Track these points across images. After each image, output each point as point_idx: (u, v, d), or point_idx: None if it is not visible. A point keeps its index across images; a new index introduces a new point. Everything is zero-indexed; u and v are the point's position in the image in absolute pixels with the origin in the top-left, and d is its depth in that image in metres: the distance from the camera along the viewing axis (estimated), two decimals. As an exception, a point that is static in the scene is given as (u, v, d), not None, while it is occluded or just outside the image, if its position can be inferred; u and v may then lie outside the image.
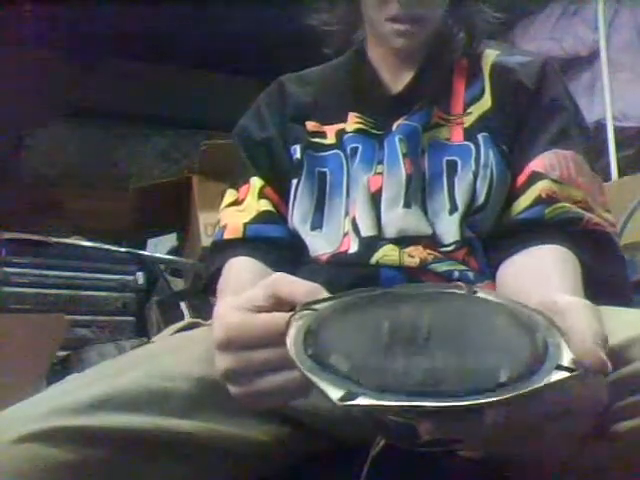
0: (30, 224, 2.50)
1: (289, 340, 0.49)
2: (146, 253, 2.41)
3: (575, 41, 2.86)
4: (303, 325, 0.51)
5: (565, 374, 0.45)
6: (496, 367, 0.46)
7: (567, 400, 0.47)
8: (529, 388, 0.44)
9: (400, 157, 0.82)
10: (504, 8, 0.92)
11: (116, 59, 3.54)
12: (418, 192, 0.81)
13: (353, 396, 0.44)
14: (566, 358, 0.47)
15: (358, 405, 0.43)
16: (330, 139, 0.88)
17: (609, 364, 0.46)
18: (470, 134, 0.84)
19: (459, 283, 0.58)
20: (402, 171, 0.81)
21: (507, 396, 0.43)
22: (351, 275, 0.77)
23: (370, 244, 0.78)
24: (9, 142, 3.47)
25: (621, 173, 2.40)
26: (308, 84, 0.95)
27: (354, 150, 0.85)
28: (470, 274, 0.76)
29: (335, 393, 0.44)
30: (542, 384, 0.44)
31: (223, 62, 3.57)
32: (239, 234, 0.86)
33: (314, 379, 0.45)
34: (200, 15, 3.08)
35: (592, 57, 2.78)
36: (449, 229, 0.78)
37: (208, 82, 3.77)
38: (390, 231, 0.79)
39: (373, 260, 0.77)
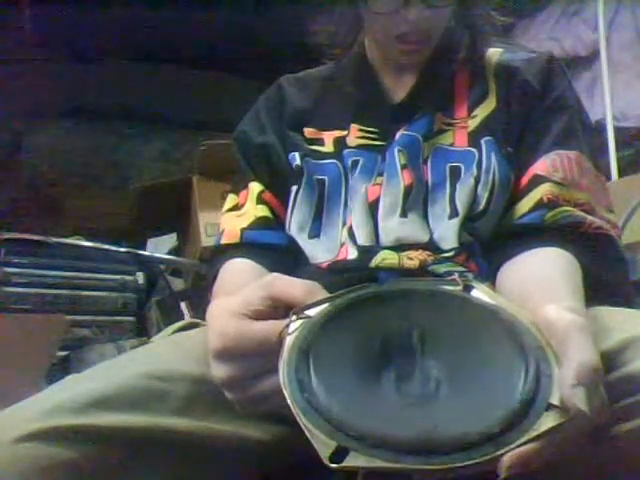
0: (30, 224, 2.50)
1: (281, 366, 0.49)
2: (146, 253, 2.40)
3: (575, 41, 2.86)
4: (295, 343, 0.50)
5: (551, 421, 0.45)
6: (487, 408, 0.47)
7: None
8: (516, 442, 0.44)
9: (399, 169, 0.81)
10: (504, 9, 0.91)
11: (116, 59, 3.54)
12: (419, 200, 0.81)
13: (342, 455, 0.44)
14: (556, 395, 0.47)
15: (348, 467, 0.44)
16: (328, 147, 0.88)
17: (586, 411, 0.46)
18: (474, 138, 0.83)
19: (455, 277, 0.58)
20: (400, 182, 0.81)
21: (494, 455, 0.44)
22: (350, 279, 0.76)
23: (368, 250, 0.78)
24: (9, 142, 3.47)
25: (621, 173, 2.40)
26: (307, 87, 0.95)
27: (355, 163, 0.85)
28: (470, 276, 0.76)
29: (325, 448, 0.44)
30: (529, 436, 0.45)
31: (223, 62, 3.57)
32: (236, 239, 0.86)
33: (307, 427, 0.46)
34: (200, 15, 3.07)
35: (592, 57, 2.78)
36: (448, 234, 0.78)
37: (208, 82, 3.77)
38: (387, 240, 0.79)
39: (372, 264, 0.76)
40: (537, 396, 0.47)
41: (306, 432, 0.45)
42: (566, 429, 0.46)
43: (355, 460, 0.44)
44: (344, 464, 0.43)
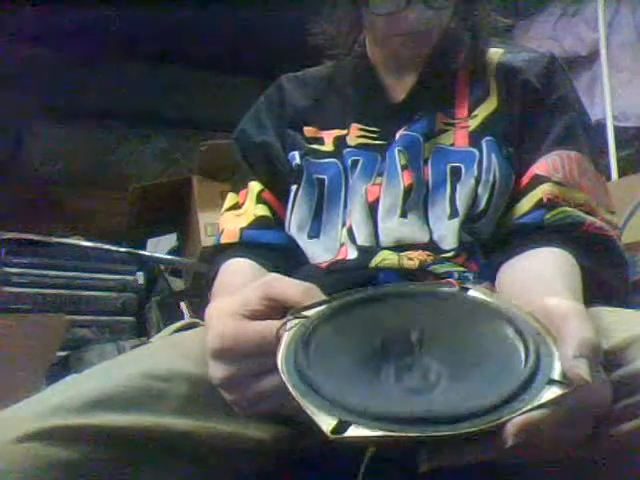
0: (30, 224, 2.50)
1: (280, 356, 0.49)
2: (146, 253, 2.40)
3: (575, 41, 2.86)
4: (293, 337, 0.50)
5: (553, 393, 0.45)
6: (488, 386, 0.46)
7: (564, 411, 0.47)
8: (520, 411, 0.44)
9: (399, 169, 0.81)
10: (505, 9, 0.91)
11: (116, 59, 3.54)
12: (419, 201, 0.80)
13: (344, 428, 0.43)
14: (557, 370, 0.47)
15: (349, 437, 0.43)
16: (327, 146, 0.88)
17: (589, 379, 0.46)
18: (475, 137, 0.83)
19: (450, 280, 0.58)
20: (400, 183, 0.81)
21: (497, 422, 0.43)
22: (350, 279, 0.76)
23: (368, 250, 0.78)
24: (9, 142, 3.47)
25: (621, 173, 2.40)
26: (308, 86, 0.95)
27: (355, 162, 0.85)
28: (470, 276, 0.76)
29: (326, 423, 0.44)
30: (532, 405, 0.44)
31: (223, 62, 3.57)
32: (235, 238, 0.86)
33: (307, 407, 0.45)
34: (200, 15, 3.07)
35: (592, 57, 2.79)
36: (448, 235, 0.78)
37: (208, 82, 3.77)
38: (386, 240, 0.79)
39: (372, 264, 0.76)
40: (538, 373, 0.47)
41: (307, 411, 0.45)
42: (570, 401, 0.46)
43: (357, 431, 0.43)
44: (346, 435, 0.43)
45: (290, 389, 0.47)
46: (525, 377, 0.46)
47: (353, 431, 0.43)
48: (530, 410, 0.44)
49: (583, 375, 0.46)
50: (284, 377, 0.47)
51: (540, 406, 0.44)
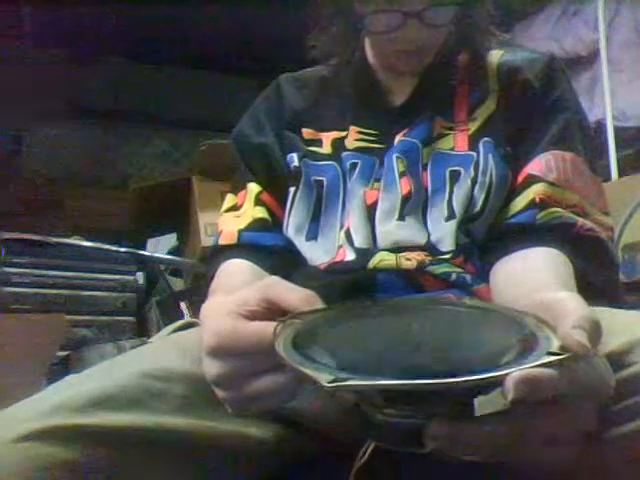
0: (30, 224, 2.50)
1: (277, 342, 0.49)
2: (146, 253, 2.41)
3: (575, 41, 2.87)
4: (292, 330, 0.51)
5: (555, 357, 0.45)
6: (489, 356, 0.47)
7: (567, 383, 0.46)
8: (523, 367, 0.44)
9: (397, 176, 0.81)
10: (504, 8, 0.91)
11: (116, 59, 3.55)
12: (418, 205, 0.80)
13: (343, 380, 0.43)
14: (555, 346, 0.47)
15: (349, 385, 0.43)
16: (326, 148, 0.88)
17: (588, 345, 0.45)
18: (475, 140, 0.83)
19: (448, 295, 0.59)
20: (398, 190, 0.80)
21: (496, 375, 0.43)
22: (348, 279, 0.76)
23: (366, 252, 0.78)
24: (9, 142, 3.47)
25: (621, 173, 2.40)
26: (306, 87, 0.94)
27: (353, 165, 0.84)
28: (467, 276, 0.76)
29: (324, 379, 0.43)
30: (534, 363, 0.44)
31: (223, 62, 3.57)
32: (233, 240, 0.86)
33: (303, 369, 0.45)
34: (200, 15, 3.08)
35: (592, 57, 2.79)
36: (445, 236, 0.78)
37: (208, 82, 3.78)
38: (384, 243, 0.79)
39: (370, 265, 0.76)
40: (536, 348, 0.47)
41: (304, 372, 0.45)
42: (571, 372, 0.46)
43: (356, 381, 0.43)
44: (344, 383, 0.43)
45: (286, 359, 0.46)
46: (523, 349, 0.46)
47: (351, 381, 0.43)
48: (532, 367, 0.44)
49: (582, 341, 0.45)
50: (281, 352, 0.47)
51: (540, 365, 0.44)
